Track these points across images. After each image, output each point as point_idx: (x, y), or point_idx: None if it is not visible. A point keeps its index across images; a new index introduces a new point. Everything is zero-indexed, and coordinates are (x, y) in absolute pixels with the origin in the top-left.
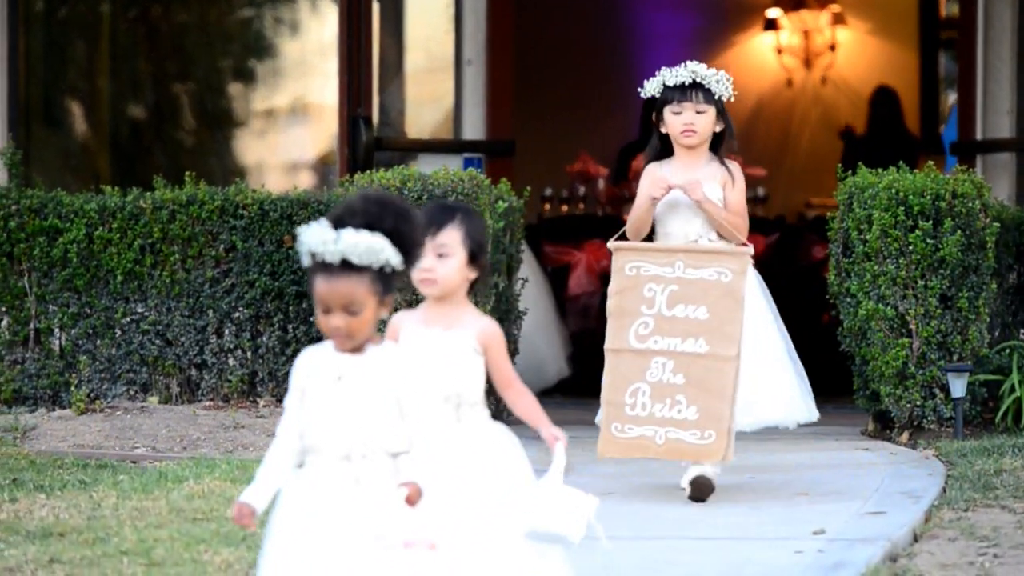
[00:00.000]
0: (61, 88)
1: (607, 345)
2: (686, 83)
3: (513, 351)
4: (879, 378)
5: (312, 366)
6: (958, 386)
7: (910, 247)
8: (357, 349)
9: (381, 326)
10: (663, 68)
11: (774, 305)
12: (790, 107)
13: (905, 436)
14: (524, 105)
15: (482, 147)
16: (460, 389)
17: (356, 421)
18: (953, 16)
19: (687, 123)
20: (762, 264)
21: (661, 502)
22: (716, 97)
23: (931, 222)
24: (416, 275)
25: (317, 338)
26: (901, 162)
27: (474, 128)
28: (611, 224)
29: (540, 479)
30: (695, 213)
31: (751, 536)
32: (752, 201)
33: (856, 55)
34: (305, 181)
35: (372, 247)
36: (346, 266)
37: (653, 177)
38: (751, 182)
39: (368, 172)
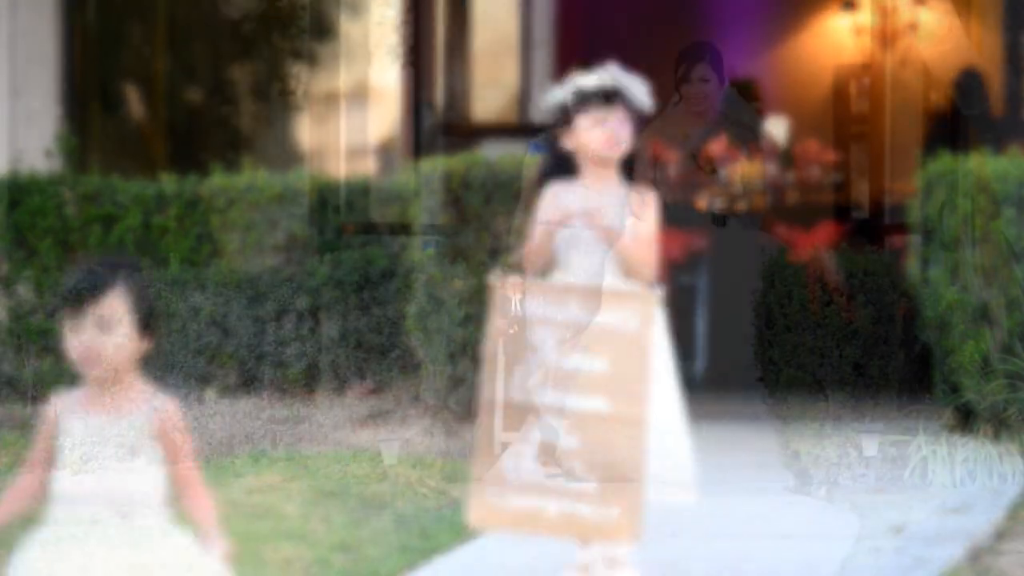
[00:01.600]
0: (117, 71)
1: (485, 396)
2: (609, 90)
3: None
4: (960, 370)
5: None
6: None
7: (993, 234)
8: None
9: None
10: (575, 71)
11: (672, 358)
12: (868, 90)
13: (987, 430)
14: None
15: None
16: (131, 489)
17: None
18: None
19: (612, 132)
20: (838, 253)
21: (731, 500)
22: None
23: (1015, 208)
24: (74, 351)
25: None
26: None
27: (541, 112)
28: (682, 211)
29: None
30: (597, 246)
31: (827, 533)
32: (827, 187)
33: (938, 36)
34: (367, 167)
35: None
36: None
37: (555, 201)
38: (826, 167)
39: (432, 157)
